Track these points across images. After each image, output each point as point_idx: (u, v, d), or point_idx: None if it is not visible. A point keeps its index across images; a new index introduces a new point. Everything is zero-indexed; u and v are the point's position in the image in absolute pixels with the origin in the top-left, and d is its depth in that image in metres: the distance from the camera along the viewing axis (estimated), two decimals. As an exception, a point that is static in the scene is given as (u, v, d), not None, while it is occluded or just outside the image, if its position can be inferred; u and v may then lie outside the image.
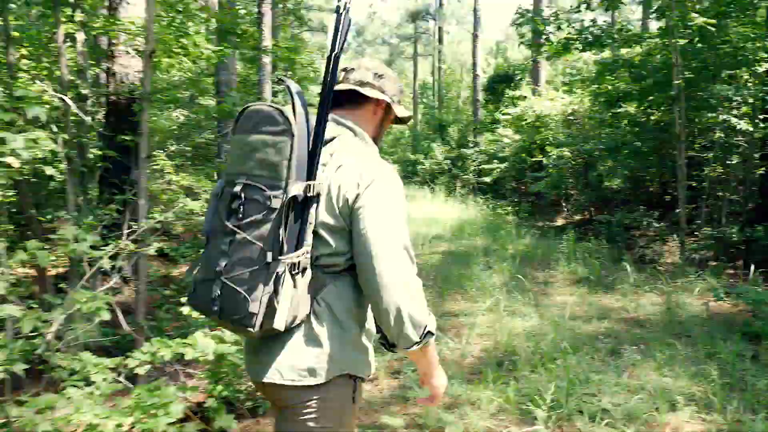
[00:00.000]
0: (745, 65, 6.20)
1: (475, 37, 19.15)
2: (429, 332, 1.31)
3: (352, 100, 1.48)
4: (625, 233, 7.53)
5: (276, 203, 1.24)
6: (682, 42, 6.47)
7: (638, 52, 7.66)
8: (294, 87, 1.33)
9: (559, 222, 11.34)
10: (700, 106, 7.17)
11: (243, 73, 16.41)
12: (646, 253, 7.08)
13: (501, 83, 17.31)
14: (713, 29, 5.79)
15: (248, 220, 1.27)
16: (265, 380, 1.34)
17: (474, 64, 19.05)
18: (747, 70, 6.38)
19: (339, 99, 1.47)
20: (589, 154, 9.90)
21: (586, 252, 6.77)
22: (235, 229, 1.28)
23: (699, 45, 6.30)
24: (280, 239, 1.24)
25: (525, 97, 12.58)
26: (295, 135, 1.25)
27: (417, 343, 1.30)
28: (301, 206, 1.26)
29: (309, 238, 1.28)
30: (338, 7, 1.31)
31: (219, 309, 1.29)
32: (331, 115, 1.40)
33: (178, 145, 7.84)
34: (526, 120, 11.60)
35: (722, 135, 6.88)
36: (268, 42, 13.03)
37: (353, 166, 1.33)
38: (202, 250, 1.43)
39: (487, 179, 15.01)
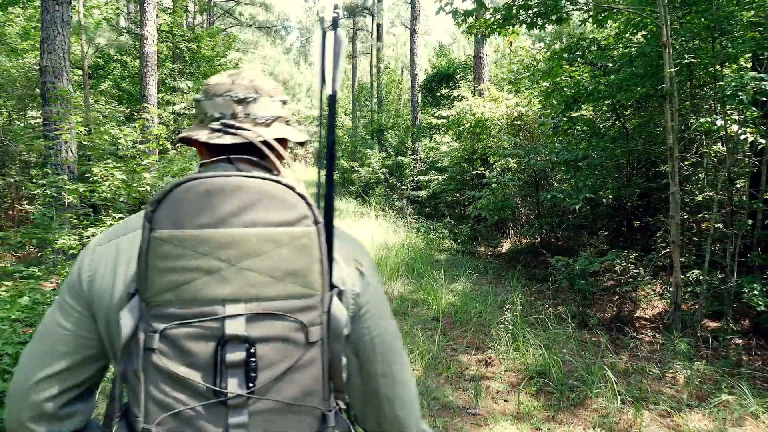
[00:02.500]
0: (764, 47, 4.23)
1: (413, 32, 17.06)
2: None
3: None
4: (590, 281, 5.48)
5: (316, 333, 0.76)
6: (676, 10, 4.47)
7: (604, 35, 5.66)
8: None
9: (505, 247, 9.34)
10: (682, 108, 5.28)
11: (132, 67, 13.62)
12: (620, 317, 5.03)
13: (440, 83, 15.36)
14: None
15: (274, 373, 0.73)
16: None
17: (413, 62, 16.92)
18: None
19: (230, 147, 0.92)
20: (540, 169, 7.90)
21: (538, 327, 4.63)
22: (252, 396, 0.72)
23: (697, 19, 4.30)
24: (330, 386, 0.80)
25: (464, 97, 10.49)
26: (320, 222, 0.80)
27: None
28: None
29: None
30: (322, 20, 0.89)
31: None
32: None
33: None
34: (463, 125, 9.50)
35: (719, 148, 4.98)
36: (151, 27, 10.55)
37: (341, 247, 0.90)
38: None
39: (423, 193, 12.96)
